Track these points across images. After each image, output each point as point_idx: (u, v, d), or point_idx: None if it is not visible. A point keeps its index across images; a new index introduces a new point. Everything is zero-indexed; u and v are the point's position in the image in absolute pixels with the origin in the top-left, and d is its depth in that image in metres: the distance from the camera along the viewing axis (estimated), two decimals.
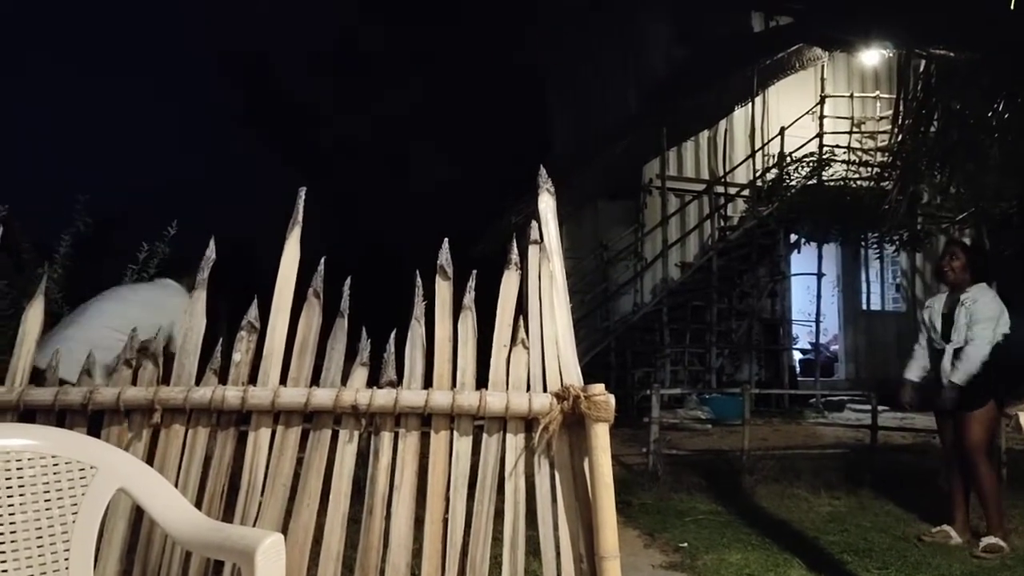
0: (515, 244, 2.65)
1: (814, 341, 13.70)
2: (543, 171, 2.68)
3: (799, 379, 13.52)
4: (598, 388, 2.35)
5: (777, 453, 7.57)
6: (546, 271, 2.56)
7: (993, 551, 4.49)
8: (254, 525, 2.30)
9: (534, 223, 2.60)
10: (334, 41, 14.01)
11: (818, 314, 13.20)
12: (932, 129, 6.44)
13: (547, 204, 2.64)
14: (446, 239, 2.57)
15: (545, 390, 2.43)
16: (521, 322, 2.51)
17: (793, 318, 13.89)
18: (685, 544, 4.81)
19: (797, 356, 14.22)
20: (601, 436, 2.32)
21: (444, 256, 2.55)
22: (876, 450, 7.58)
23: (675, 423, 9.31)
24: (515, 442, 2.42)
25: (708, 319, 12.55)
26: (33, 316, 2.46)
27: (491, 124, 12.70)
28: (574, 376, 2.46)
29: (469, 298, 2.51)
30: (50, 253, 5.44)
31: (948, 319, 4.84)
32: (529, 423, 2.41)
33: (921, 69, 7.18)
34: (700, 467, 7.13)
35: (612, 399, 2.36)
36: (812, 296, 13.29)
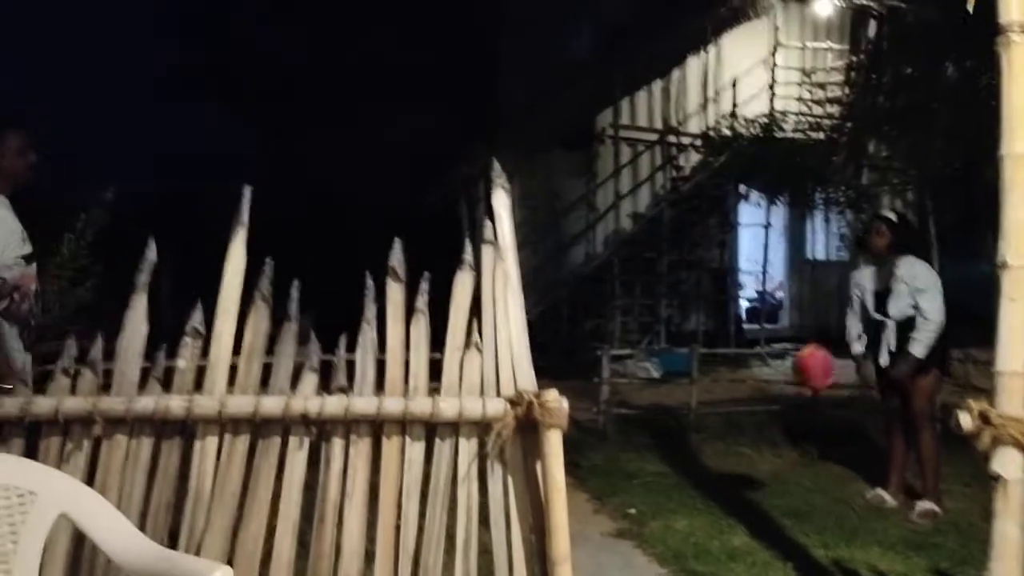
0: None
1: (760, 289, 13.97)
2: (497, 166, 2.61)
3: (745, 326, 13.82)
4: (552, 394, 2.34)
5: (722, 410, 7.75)
6: (500, 271, 2.52)
7: (927, 516, 4.68)
8: (202, 536, 2.27)
9: (488, 222, 2.55)
10: None
11: (765, 263, 13.43)
12: (881, 94, 6.49)
13: (501, 201, 2.59)
14: (397, 240, 2.50)
15: (499, 394, 2.42)
16: (475, 324, 2.48)
17: (741, 267, 14.13)
18: (633, 510, 4.92)
19: (743, 304, 14.51)
20: (554, 442, 2.32)
21: (396, 257, 2.48)
22: (817, 405, 7.79)
23: (624, 376, 9.42)
24: (468, 447, 2.41)
25: (659, 270, 12.66)
26: None
27: (440, 70, 12.42)
28: (528, 380, 2.44)
29: (422, 301, 2.46)
30: None
31: (882, 294, 4.95)
32: (483, 428, 2.40)
33: (873, 31, 7.21)
34: (649, 425, 7.26)
35: (566, 404, 2.35)
36: (759, 245, 13.50)
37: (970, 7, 2.34)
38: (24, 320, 3.07)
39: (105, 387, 2.35)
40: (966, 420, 2.44)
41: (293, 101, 12.80)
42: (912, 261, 4.90)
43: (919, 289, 4.79)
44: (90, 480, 2.24)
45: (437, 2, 12.72)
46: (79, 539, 2.13)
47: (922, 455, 4.89)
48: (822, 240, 14.89)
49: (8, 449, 2.24)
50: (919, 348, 4.73)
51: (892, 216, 5.18)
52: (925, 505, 4.75)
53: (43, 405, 2.25)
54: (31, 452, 2.25)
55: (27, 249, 3.16)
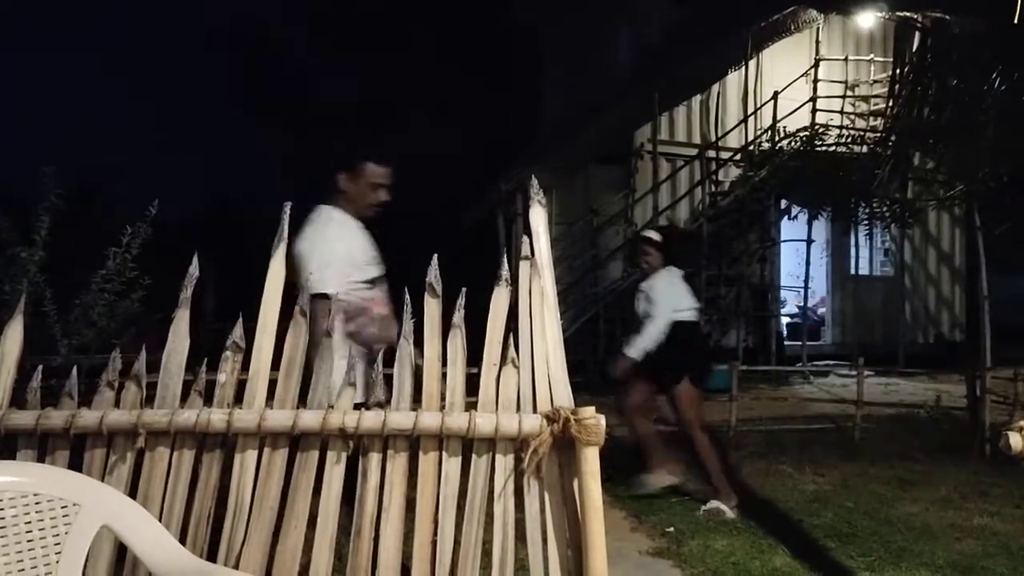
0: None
1: (802, 305, 13.78)
2: (535, 182, 2.61)
3: (786, 343, 13.62)
4: (588, 411, 2.33)
5: (763, 427, 7.63)
6: (537, 287, 2.52)
7: (715, 516, 4.91)
8: (241, 549, 2.29)
9: (525, 238, 2.55)
10: (322, 1, 13.72)
11: (807, 279, 13.25)
12: (926, 107, 6.36)
13: (538, 217, 2.59)
14: (435, 255, 2.52)
15: (535, 410, 2.41)
16: (511, 340, 2.47)
17: (782, 282, 13.96)
18: (671, 528, 4.85)
19: (784, 320, 14.31)
20: (591, 460, 2.30)
21: (433, 274, 2.49)
22: (860, 423, 7.64)
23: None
24: (504, 463, 2.40)
25: (697, 285, 12.55)
26: (12, 336, 2.40)
27: (482, 88, 12.52)
28: (564, 396, 2.43)
29: (459, 316, 2.47)
30: (28, 231, 5.28)
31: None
32: (519, 444, 2.39)
33: (916, 44, 7.08)
34: (688, 442, 7.16)
35: (603, 421, 2.34)
36: (801, 260, 13.33)
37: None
38: (369, 344, 3.05)
39: (148, 400, 2.39)
40: (1015, 440, 2.37)
41: (338, 119, 12.98)
42: (661, 274, 5.16)
43: (651, 297, 5.09)
44: (133, 492, 2.28)
45: (478, 21, 12.83)
46: (121, 550, 2.16)
47: (701, 459, 5.13)
48: (866, 255, 14.66)
49: (53, 461, 2.29)
50: (631, 348, 5.04)
51: (655, 236, 5.32)
52: (712, 505, 4.99)
53: (88, 418, 2.29)
54: (76, 464, 2.30)
55: (371, 273, 3.20)
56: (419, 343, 2.47)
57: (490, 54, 12.82)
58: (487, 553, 2.37)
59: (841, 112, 13.28)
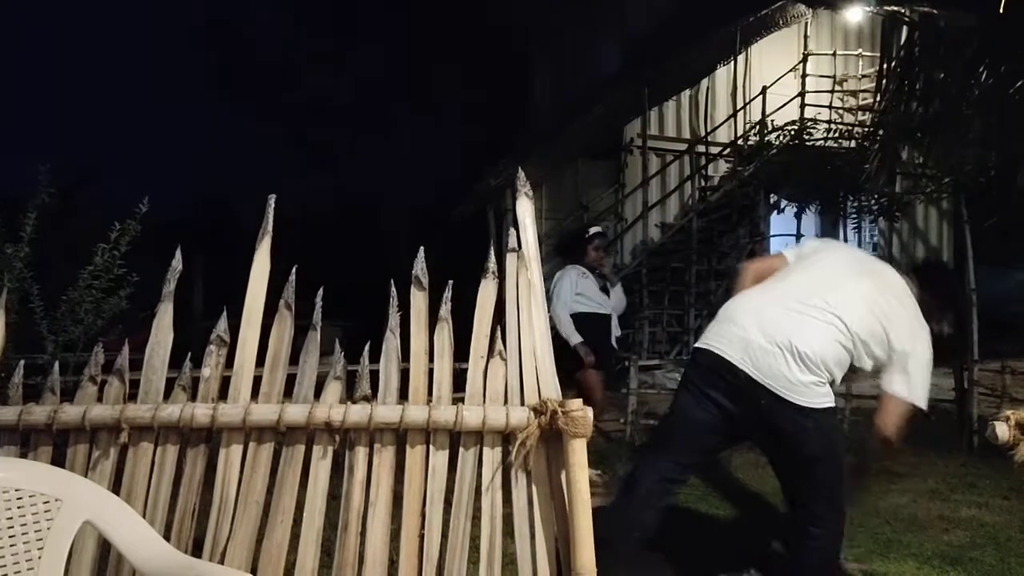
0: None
1: None
2: (521, 174, 2.60)
3: None
4: (576, 403, 2.32)
5: None
6: (524, 279, 2.50)
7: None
8: (226, 544, 2.27)
9: (512, 230, 2.54)
10: None
11: None
12: (914, 101, 6.37)
13: (525, 208, 2.57)
14: (422, 248, 2.50)
15: (523, 403, 2.40)
16: (498, 332, 2.46)
17: None
18: None
19: None
20: (579, 452, 2.29)
21: (419, 266, 2.48)
22: (849, 416, 7.66)
23: (652, 387, 9.35)
24: (492, 456, 2.39)
25: (687, 280, 12.56)
26: None
27: (471, 83, 12.49)
28: (552, 389, 2.42)
29: (445, 309, 2.46)
30: (15, 228, 5.23)
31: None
32: (506, 437, 2.38)
33: (904, 38, 7.09)
34: None
35: (590, 413, 2.33)
36: None
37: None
38: None
39: (132, 396, 2.37)
40: (1002, 430, 2.38)
41: (329, 116, 12.93)
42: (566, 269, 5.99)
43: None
44: (116, 487, 2.26)
45: (469, 17, 12.80)
46: (105, 547, 2.15)
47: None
48: None
49: (36, 456, 2.27)
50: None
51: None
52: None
53: (70, 413, 2.27)
54: (59, 460, 2.28)
55: None
56: (407, 337, 2.45)
57: (480, 50, 12.79)
58: (475, 547, 2.36)
59: (829, 107, 13.28)
